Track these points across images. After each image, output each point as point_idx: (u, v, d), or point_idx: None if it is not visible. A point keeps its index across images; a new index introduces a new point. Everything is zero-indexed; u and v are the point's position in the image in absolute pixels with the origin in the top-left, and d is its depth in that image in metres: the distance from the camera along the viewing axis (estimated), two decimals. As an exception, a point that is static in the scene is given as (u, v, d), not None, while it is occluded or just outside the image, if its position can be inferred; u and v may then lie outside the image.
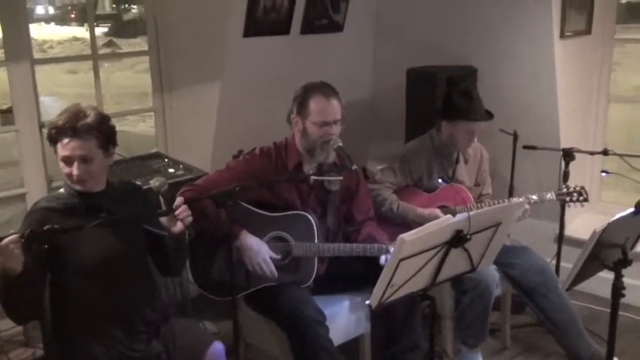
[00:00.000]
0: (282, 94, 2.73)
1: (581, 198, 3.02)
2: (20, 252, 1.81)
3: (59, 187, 3.27)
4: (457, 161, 3.16)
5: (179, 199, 2.18)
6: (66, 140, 2.00)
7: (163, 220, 2.15)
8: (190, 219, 2.16)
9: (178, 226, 2.14)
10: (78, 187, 2.07)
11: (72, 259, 2.04)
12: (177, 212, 2.12)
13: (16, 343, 3.05)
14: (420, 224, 2.04)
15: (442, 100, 3.12)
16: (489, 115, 3.06)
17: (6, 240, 1.78)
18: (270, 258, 2.56)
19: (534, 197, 2.99)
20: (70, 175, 2.05)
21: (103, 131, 2.06)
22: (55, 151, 2.06)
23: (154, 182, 2.14)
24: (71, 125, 1.99)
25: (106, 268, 2.08)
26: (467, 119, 2.98)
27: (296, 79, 2.72)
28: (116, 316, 2.11)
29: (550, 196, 3.02)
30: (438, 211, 2.98)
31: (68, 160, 2.03)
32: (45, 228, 1.84)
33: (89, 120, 2.01)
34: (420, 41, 4.02)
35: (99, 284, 2.08)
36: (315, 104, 2.58)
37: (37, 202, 2.13)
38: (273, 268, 2.56)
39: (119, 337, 2.11)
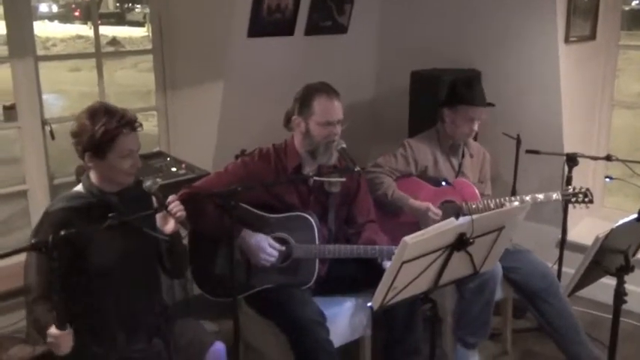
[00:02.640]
0: (285, 94, 2.73)
1: (586, 199, 3.04)
2: (71, 339, 1.87)
3: (61, 185, 3.27)
4: (463, 155, 3.19)
5: (172, 196, 2.16)
6: (131, 133, 2.06)
7: (157, 220, 2.14)
8: (183, 214, 2.14)
9: (170, 225, 2.13)
10: (128, 181, 2.11)
11: (85, 262, 2.04)
12: (169, 207, 2.10)
13: (16, 340, 3.04)
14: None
15: (446, 90, 3.18)
16: (489, 104, 3.10)
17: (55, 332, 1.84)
18: (274, 249, 2.55)
19: (540, 197, 3.00)
20: (130, 168, 2.08)
21: None
22: (108, 150, 2.03)
23: (145, 182, 2.12)
24: (132, 118, 2.07)
25: (117, 269, 2.08)
26: (466, 103, 3.04)
27: (299, 80, 2.71)
28: (121, 316, 2.11)
29: (556, 196, 3.03)
30: (429, 204, 2.97)
31: (131, 153, 2.07)
32: (62, 233, 1.81)
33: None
34: (424, 44, 4.02)
35: (109, 285, 2.08)
36: (318, 104, 2.57)
37: (53, 204, 2.10)
38: (276, 255, 2.55)
39: (120, 338, 2.10)
